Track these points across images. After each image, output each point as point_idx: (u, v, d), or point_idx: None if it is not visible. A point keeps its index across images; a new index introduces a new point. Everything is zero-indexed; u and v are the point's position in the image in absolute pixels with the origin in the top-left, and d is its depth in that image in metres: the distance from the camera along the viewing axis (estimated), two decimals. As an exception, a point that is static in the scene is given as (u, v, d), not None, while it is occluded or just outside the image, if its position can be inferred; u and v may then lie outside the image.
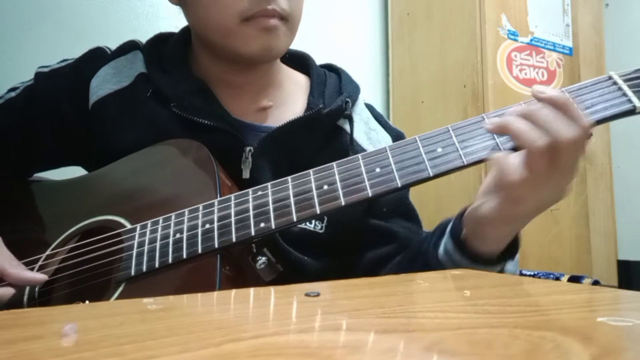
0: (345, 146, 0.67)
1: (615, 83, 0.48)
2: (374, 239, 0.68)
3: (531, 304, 0.31)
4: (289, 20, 0.61)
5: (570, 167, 0.45)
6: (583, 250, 1.91)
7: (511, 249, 0.54)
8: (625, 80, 0.48)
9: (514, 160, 0.46)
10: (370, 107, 0.76)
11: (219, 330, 0.25)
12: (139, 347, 0.22)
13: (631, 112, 0.48)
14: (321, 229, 0.64)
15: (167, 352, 0.21)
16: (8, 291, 0.53)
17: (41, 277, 0.55)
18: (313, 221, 0.63)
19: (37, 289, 0.57)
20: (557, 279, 1.59)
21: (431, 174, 0.48)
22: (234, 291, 0.38)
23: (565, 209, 1.85)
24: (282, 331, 0.25)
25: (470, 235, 0.53)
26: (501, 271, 0.57)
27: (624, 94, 0.47)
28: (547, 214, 1.89)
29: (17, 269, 0.54)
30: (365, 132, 0.71)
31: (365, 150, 0.68)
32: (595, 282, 1.66)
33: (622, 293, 0.34)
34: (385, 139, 0.73)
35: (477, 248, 0.53)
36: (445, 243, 0.56)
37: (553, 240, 1.79)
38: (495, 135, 0.48)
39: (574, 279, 1.64)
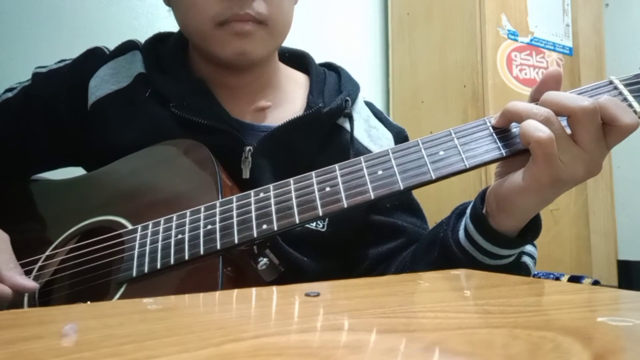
0: (345, 145, 0.67)
1: (616, 88, 0.48)
2: (378, 235, 0.68)
3: (531, 304, 0.31)
4: (268, 24, 0.60)
5: (590, 140, 0.45)
6: (583, 250, 1.91)
7: (531, 232, 0.53)
8: (626, 85, 0.48)
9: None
10: (370, 105, 0.76)
11: (219, 330, 0.25)
12: (139, 347, 0.22)
13: None
14: (323, 227, 0.64)
15: (167, 352, 0.21)
16: (6, 291, 0.51)
17: (32, 285, 0.53)
18: None
19: (36, 290, 0.57)
20: (557, 279, 1.59)
21: (433, 177, 0.48)
22: (234, 291, 0.38)
23: (565, 209, 1.85)
24: (283, 331, 0.25)
25: (494, 211, 0.51)
26: (520, 255, 0.56)
27: (625, 99, 0.47)
28: (547, 214, 1.89)
29: (11, 272, 0.53)
30: (366, 130, 0.71)
31: (366, 148, 0.69)
32: (595, 282, 1.66)
33: (622, 293, 0.34)
34: (386, 136, 0.72)
35: (500, 224, 0.51)
36: (465, 225, 0.54)
37: (553, 240, 1.79)
38: (497, 139, 0.48)
39: (574, 279, 1.64)
